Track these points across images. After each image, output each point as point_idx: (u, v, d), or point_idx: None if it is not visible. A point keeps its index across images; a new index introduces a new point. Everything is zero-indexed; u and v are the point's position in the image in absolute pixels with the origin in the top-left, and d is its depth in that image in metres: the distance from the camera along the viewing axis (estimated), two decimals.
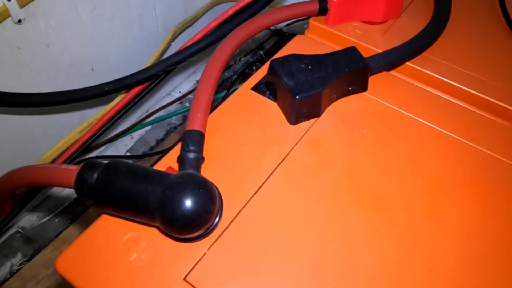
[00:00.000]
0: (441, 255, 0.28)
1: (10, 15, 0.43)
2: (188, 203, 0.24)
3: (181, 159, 0.29)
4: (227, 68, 0.83)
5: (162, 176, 0.26)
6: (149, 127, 0.76)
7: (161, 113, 0.76)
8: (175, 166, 0.30)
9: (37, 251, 0.61)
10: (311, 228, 0.29)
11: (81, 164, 0.27)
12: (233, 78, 0.84)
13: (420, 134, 0.35)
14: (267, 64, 0.37)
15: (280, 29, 0.82)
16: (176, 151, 0.31)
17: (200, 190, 0.25)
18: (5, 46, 0.46)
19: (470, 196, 0.31)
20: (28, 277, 0.58)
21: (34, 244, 0.62)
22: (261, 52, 0.87)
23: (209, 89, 0.34)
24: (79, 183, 0.26)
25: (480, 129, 0.36)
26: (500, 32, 0.45)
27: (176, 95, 0.79)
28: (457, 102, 0.38)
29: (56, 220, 0.64)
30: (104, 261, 0.27)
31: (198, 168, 0.29)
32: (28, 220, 0.62)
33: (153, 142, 0.75)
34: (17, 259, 0.60)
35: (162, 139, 0.76)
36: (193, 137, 0.30)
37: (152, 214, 0.25)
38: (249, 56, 0.87)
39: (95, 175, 0.26)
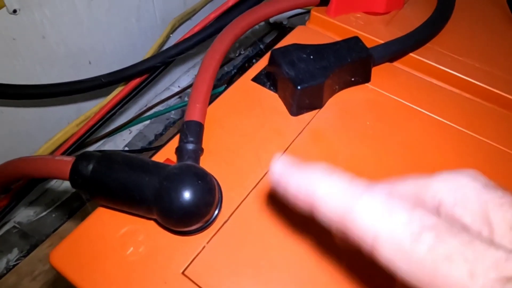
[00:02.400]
0: None
1: (5, 5, 0.42)
2: (186, 194, 0.24)
3: (179, 151, 0.29)
4: (227, 62, 0.82)
5: (159, 167, 0.25)
6: (148, 121, 0.75)
7: (160, 108, 0.75)
8: (173, 158, 0.30)
9: (33, 247, 0.60)
10: (313, 222, 0.28)
11: (76, 155, 0.26)
12: (233, 72, 0.83)
13: (424, 126, 0.34)
14: (267, 55, 0.36)
15: (281, 23, 0.81)
16: (175, 143, 0.31)
17: (199, 182, 0.24)
18: (0, 37, 0.45)
19: None
20: (25, 272, 0.57)
21: (31, 239, 0.61)
22: (262, 46, 0.86)
23: (208, 79, 0.33)
24: (74, 175, 0.26)
25: (484, 120, 0.35)
26: (505, 22, 0.44)
27: (175, 89, 0.78)
28: (462, 93, 0.37)
29: (53, 215, 0.63)
30: (100, 254, 0.26)
31: (197, 160, 0.29)
32: (25, 215, 0.62)
33: (152, 137, 0.74)
34: (14, 254, 0.59)
35: (161, 134, 0.75)
36: (191, 128, 0.29)
37: (149, 206, 0.24)
38: (249, 50, 0.86)
39: (90, 166, 0.25)
